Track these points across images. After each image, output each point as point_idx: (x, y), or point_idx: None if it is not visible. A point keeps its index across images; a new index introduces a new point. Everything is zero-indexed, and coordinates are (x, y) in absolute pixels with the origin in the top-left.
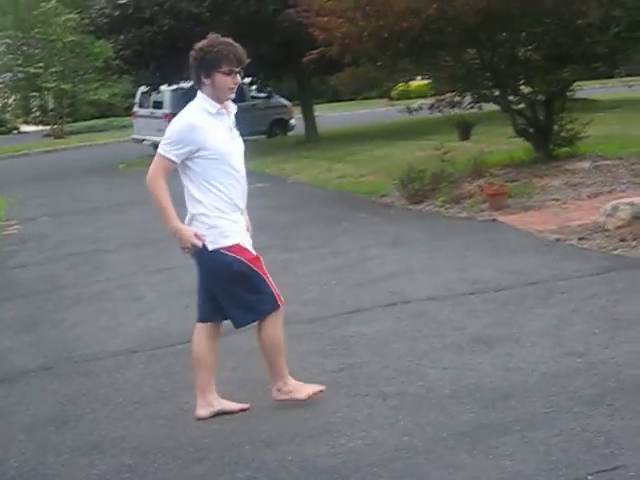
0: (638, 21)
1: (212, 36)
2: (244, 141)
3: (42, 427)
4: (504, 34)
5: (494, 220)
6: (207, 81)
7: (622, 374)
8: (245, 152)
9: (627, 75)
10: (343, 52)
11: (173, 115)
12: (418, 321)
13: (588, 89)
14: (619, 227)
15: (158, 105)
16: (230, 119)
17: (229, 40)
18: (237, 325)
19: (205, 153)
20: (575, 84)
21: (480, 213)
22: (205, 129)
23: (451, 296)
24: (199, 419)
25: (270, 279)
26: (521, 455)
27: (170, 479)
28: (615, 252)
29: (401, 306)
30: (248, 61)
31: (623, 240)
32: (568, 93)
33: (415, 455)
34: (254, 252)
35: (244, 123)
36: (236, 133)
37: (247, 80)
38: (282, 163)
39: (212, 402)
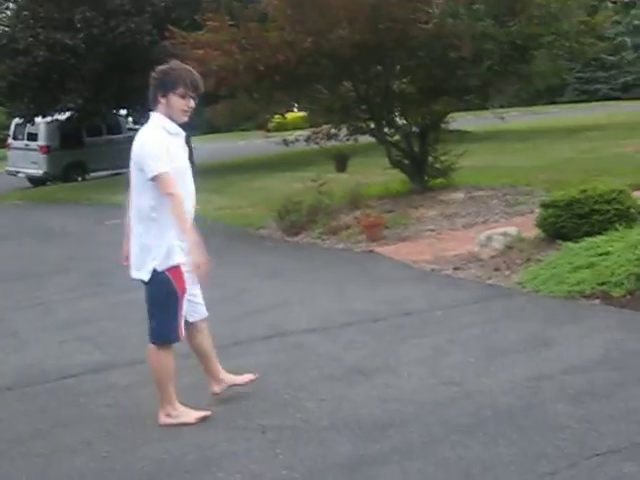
0: (509, 55)
1: (175, 61)
2: (119, 174)
3: None
4: (379, 67)
5: (371, 251)
6: (163, 100)
7: (497, 402)
8: (119, 185)
9: (500, 107)
10: (219, 85)
11: (48, 147)
12: (296, 353)
13: (462, 120)
14: (493, 257)
15: (33, 137)
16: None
17: (189, 67)
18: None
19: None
20: (449, 116)
21: (357, 244)
22: (169, 146)
23: (328, 328)
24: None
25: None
26: None
27: None
28: (489, 281)
29: (279, 338)
30: (202, 90)
31: (497, 269)
32: (442, 125)
33: None
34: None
35: (119, 156)
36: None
37: (123, 112)
38: None
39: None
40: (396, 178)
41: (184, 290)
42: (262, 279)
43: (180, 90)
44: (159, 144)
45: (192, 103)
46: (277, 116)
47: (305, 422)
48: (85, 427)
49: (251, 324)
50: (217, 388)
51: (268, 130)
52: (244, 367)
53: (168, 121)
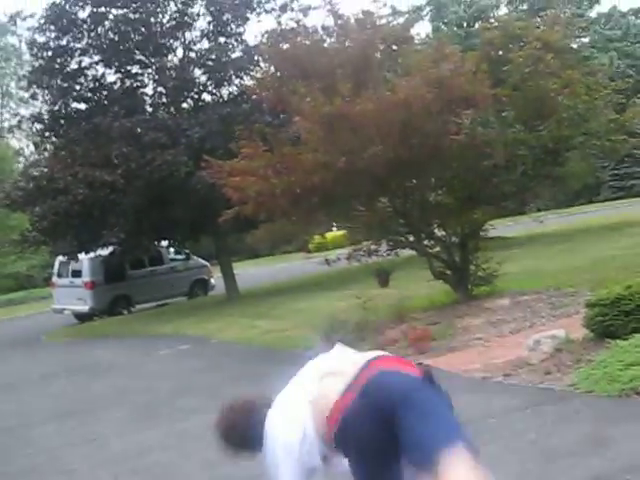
0: (542, 159)
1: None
2: (164, 305)
3: None
4: (414, 180)
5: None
6: None
7: None
8: (165, 315)
9: (537, 210)
10: (257, 210)
11: (92, 283)
12: None
13: (501, 226)
14: (543, 360)
15: (77, 274)
16: None
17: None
18: None
19: None
20: (487, 223)
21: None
22: None
23: None
24: None
25: None
26: None
27: None
28: (541, 385)
29: None
30: None
31: (548, 373)
32: (481, 233)
33: None
34: None
35: (165, 286)
36: None
37: (164, 243)
38: (204, 323)
39: None
40: (440, 289)
41: None
42: None
43: None
44: None
45: None
46: (317, 236)
47: None
48: None
49: None
50: None
51: (309, 251)
52: None
53: None
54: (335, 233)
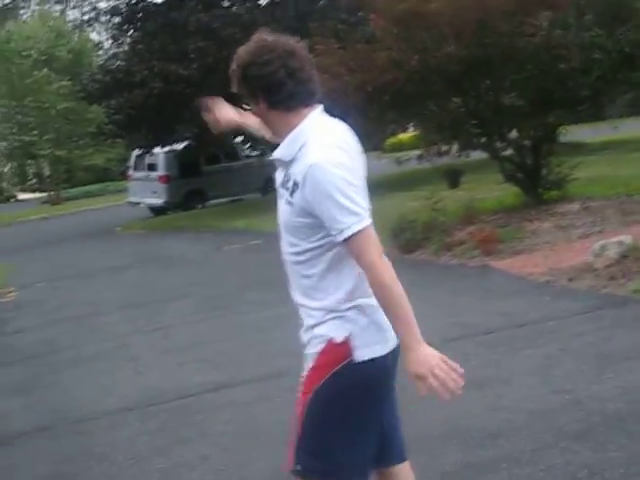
0: (619, 64)
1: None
2: (238, 200)
3: None
4: (488, 82)
5: (485, 265)
6: None
7: (607, 409)
8: (238, 210)
9: (619, 117)
10: (331, 107)
11: (167, 177)
12: None
13: (578, 132)
14: (608, 266)
15: (153, 167)
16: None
17: None
18: None
19: None
20: (562, 128)
21: (471, 259)
22: None
23: (442, 341)
24: None
25: None
26: None
27: None
28: (604, 290)
29: None
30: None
31: (612, 278)
32: (555, 137)
33: None
34: None
35: (239, 181)
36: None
37: (239, 139)
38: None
39: None
40: (510, 192)
41: None
42: None
43: None
44: None
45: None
46: (392, 136)
47: (418, 432)
48: (203, 443)
49: None
50: None
51: (384, 151)
52: None
53: None
54: (411, 134)
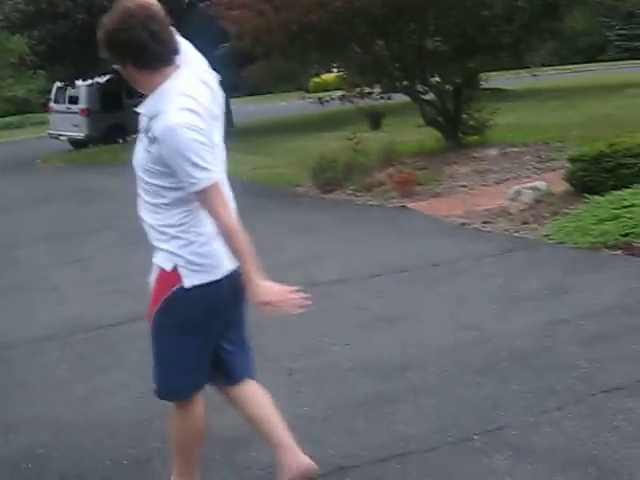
0: (541, 13)
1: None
2: None
3: None
4: (412, 26)
5: (403, 207)
6: None
7: (513, 345)
8: None
9: (542, 65)
10: (254, 45)
11: (89, 110)
12: (324, 302)
13: (500, 80)
14: (522, 210)
15: (74, 100)
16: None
17: None
18: None
19: None
20: (485, 75)
21: (389, 201)
22: None
23: (357, 279)
24: None
25: None
26: (414, 420)
27: (82, 454)
28: (517, 234)
29: (309, 289)
30: None
31: (525, 223)
32: (476, 83)
33: (314, 423)
34: None
35: None
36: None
37: None
38: None
39: None
40: (430, 136)
41: None
42: (296, 234)
43: None
44: None
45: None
46: (317, 77)
47: (329, 364)
48: (122, 371)
49: (284, 275)
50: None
51: (308, 91)
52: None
53: None
54: (335, 74)
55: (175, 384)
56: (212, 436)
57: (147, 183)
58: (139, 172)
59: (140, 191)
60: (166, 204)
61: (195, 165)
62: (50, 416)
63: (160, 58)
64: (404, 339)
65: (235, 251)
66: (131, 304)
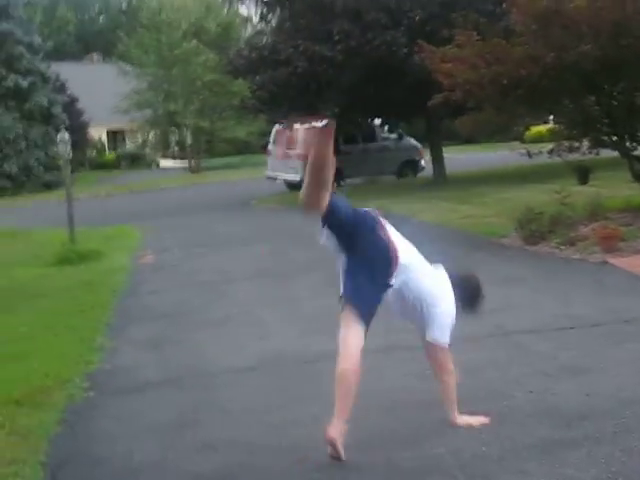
0: None
1: None
2: (374, 181)
3: (162, 429)
4: (622, 82)
5: (604, 262)
6: None
7: None
8: (374, 191)
9: None
10: (465, 97)
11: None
12: (513, 351)
13: None
14: None
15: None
16: None
17: None
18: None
19: None
20: None
21: (592, 255)
22: None
23: (549, 330)
24: None
25: None
26: (584, 466)
27: (273, 476)
28: None
29: (500, 337)
30: None
31: None
32: None
33: (489, 462)
34: None
35: (375, 163)
36: None
37: (378, 122)
38: (409, 203)
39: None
40: (638, 192)
41: None
42: (495, 284)
43: None
44: None
45: None
46: (534, 128)
47: (510, 409)
48: (315, 404)
49: (479, 323)
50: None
51: (523, 141)
52: (465, 360)
53: None
54: (550, 127)
55: None
56: None
57: None
58: None
59: None
60: None
61: None
62: (245, 439)
63: None
64: (587, 390)
65: None
66: (330, 343)
